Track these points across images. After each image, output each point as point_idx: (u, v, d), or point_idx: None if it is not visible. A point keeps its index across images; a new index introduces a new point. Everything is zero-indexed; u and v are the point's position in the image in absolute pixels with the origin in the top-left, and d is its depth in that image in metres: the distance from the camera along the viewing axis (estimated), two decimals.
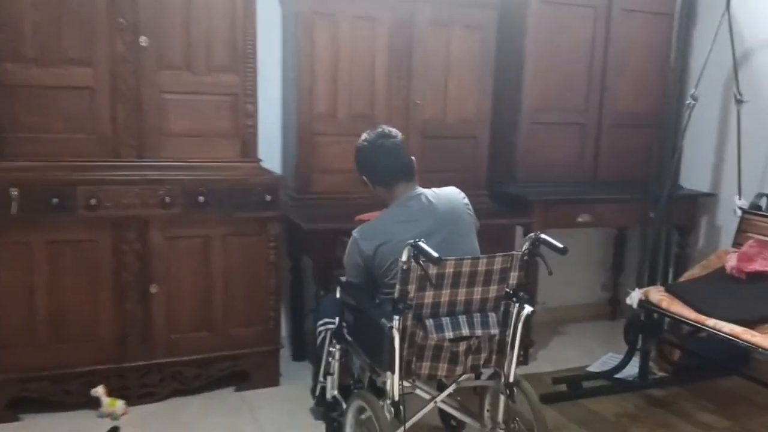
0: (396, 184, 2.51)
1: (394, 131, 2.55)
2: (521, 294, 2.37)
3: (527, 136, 3.77)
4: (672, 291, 3.07)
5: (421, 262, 2.13)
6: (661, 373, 3.61)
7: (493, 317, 2.35)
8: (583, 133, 3.92)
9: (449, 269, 2.22)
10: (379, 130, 2.55)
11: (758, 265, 3.05)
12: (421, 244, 2.10)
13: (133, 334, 3.02)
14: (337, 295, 2.62)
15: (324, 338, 2.82)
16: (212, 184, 3.03)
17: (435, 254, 2.06)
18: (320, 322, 2.83)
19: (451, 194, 2.55)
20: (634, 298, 3.10)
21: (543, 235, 2.33)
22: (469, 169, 3.68)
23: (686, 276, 3.27)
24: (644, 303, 3.10)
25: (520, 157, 3.78)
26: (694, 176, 4.06)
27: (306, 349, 3.65)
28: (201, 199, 2.99)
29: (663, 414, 3.23)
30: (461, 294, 2.28)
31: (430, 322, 2.25)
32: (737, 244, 3.31)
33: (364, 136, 2.57)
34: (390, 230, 2.42)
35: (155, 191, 2.94)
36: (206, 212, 3.03)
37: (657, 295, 3.07)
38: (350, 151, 3.40)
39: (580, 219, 3.72)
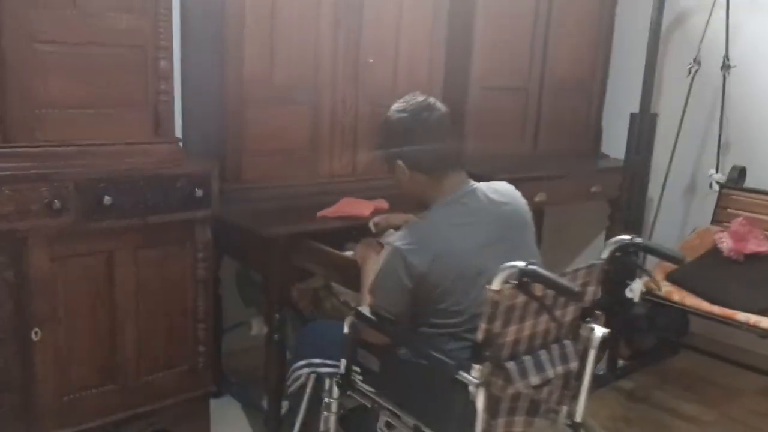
0: (445, 172, 1.81)
1: (438, 102, 1.85)
2: (597, 312, 1.86)
3: (477, 106, 3.23)
4: (677, 281, 2.73)
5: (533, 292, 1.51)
6: (620, 360, 3.35)
7: (570, 347, 1.81)
8: (527, 100, 3.48)
9: (537, 293, 1.63)
10: (420, 99, 1.83)
11: (753, 245, 2.82)
12: (537, 269, 1.48)
13: (6, 403, 2.05)
14: (345, 329, 1.90)
15: (303, 385, 2.12)
16: (120, 177, 2.10)
17: (573, 287, 1.45)
18: (301, 363, 2.10)
19: (508, 191, 1.91)
20: (635, 290, 2.72)
21: (641, 240, 1.81)
22: None
23: None
24: (647, 295, 2.74)
25: (469, 131, 3.23)
26: (615, 145, 3.78)
27: (227, 382, 2.86)
28: (107, 200, 2.06)
29: (650, 410, 2.98)
30: (541, 323, 1.72)
31: (511, 366, 1.65)
32: (717, 221, 3.07)
33: (398, 105, 1.84)
34: (445, 236, 1.74)
35: (37, 192, 1.96)
36: (110, 218, 2.11)
37: (663, 286, 2.72)
38: (289, 127, 2.67)
39: (537, 198, 3.28)
